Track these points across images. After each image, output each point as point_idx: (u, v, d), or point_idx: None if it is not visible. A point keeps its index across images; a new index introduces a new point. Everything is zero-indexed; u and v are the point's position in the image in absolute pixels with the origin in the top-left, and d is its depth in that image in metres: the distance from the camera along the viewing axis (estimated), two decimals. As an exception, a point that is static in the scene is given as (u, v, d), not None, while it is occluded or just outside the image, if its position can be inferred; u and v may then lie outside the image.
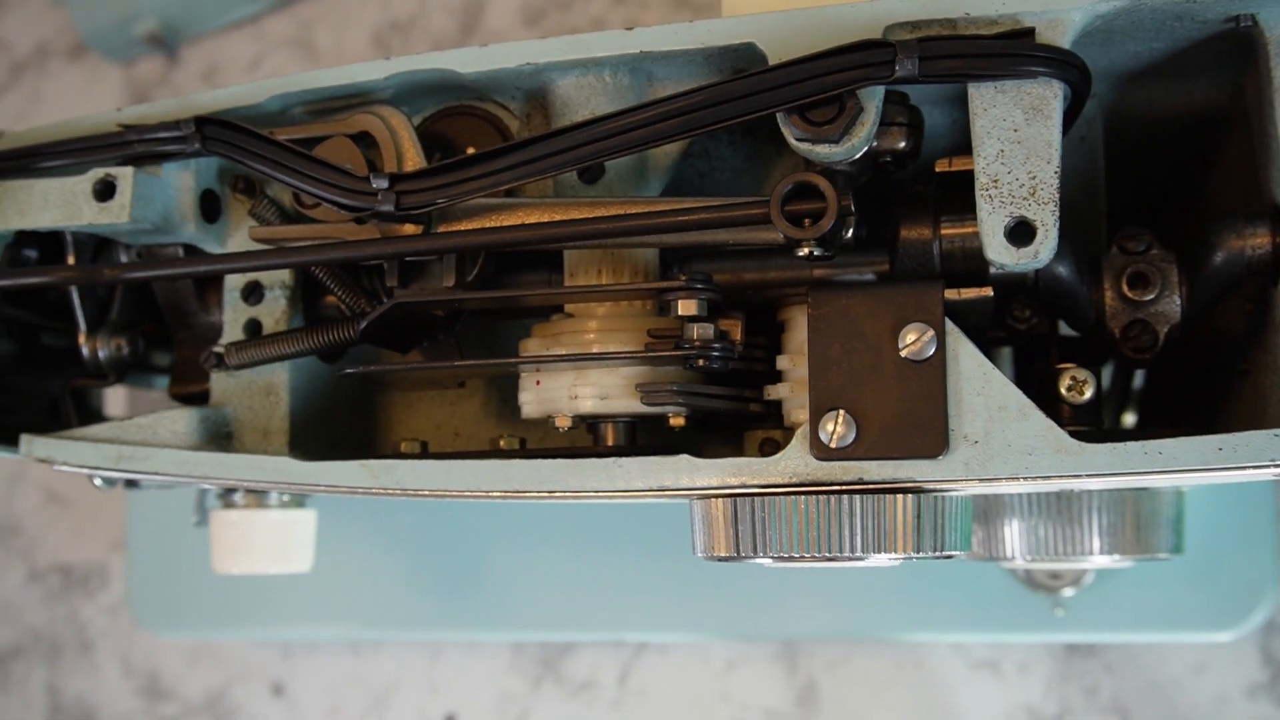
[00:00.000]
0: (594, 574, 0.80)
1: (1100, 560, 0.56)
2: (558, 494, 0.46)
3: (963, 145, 0.45)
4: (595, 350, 0.47)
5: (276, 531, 0.60)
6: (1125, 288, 0.48)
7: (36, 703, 0.96)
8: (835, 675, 0.81)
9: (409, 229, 0.49)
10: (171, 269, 0.50)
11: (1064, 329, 0.54)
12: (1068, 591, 0.70)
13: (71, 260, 0.54)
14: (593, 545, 0.80)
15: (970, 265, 0.47)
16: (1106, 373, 0.64)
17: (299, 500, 0.62)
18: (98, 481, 0.56)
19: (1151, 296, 0.48)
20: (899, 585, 0.76)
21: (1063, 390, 0.48)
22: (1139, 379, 0.66)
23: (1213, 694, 0.75)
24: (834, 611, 0.77)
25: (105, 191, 0.50)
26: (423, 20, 0.95)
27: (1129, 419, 0.68)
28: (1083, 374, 0.48)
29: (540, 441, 0.54)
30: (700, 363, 0.45)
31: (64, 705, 0.95)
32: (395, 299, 0.48)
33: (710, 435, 0.53)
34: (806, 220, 0.44)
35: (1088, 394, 0.48)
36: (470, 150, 0.51)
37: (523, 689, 0.86)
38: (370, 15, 0.96)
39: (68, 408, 0.56)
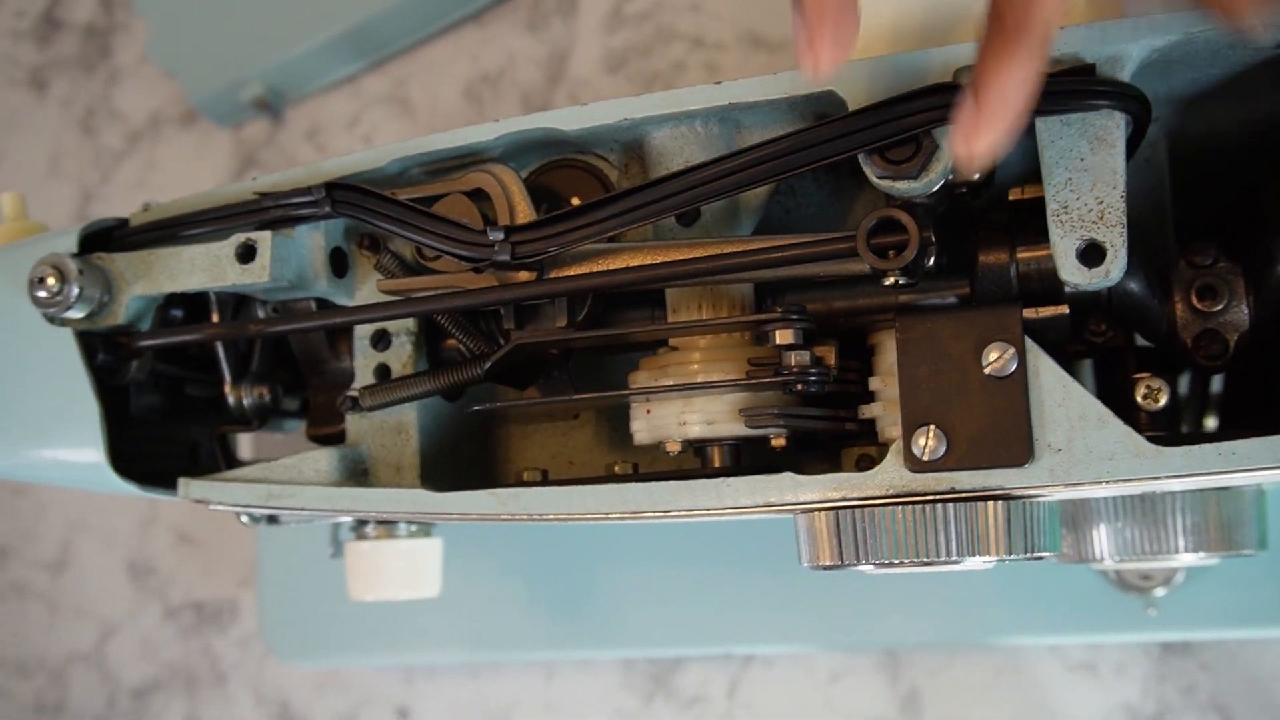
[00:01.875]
0: (700, 590, 0.84)
1: (1186, 559, 0.58)
2: (672, 513, 0.50)
3: (1033, 173, 0.49)
4: (701, 379, 0.51)
5: (407, 559, 0.65)
6: (1195, 299, 0.51)
7: (177, 733, 1.01)
8: (937, 682, 0.84)
9: (523, 275, 0.53)
10: (309, 322, 0.55)
11: (1141, 340, 0.57)
12: (1159, 591, 0.73)
13: (216, 318, 0.59)
14: (697, 563, 0.84)
15: (1046, 285, 0.50)
16: (1186, 380, 0.66)
17: (426, 530, 0.67)
18: (244, 519, 0.61)
19: (1220, 307, 0.51)
20: (995, 591, 0.79)
21: (1139, 399, 0.51)
22: (1219, 383, 0.68)
23: (1310, 687, 0.77)
24: (933, 619, 0.80)
25: (247, 254, 0.55)
26: (511, 72, 1.00)
27: (1210, 422, 0.71)
28: (1157, 383, 0.51)
29: (651, 466, 0.58)
30: (799, 387, 0.49)
31: (203, 734, 1.01)
32: (515, 341, 0.52)
33: (809, 454, 0.57)
34: (891, 252, 0.47)
35: (1162, 401, 0.51)
36: (574, 199, 0.56)
37: (635, 705, 0.90)
38: (461, 70, 1.01)
39: (215, 452, 0.61)
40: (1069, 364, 0.62)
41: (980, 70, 0.42)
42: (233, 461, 0.64)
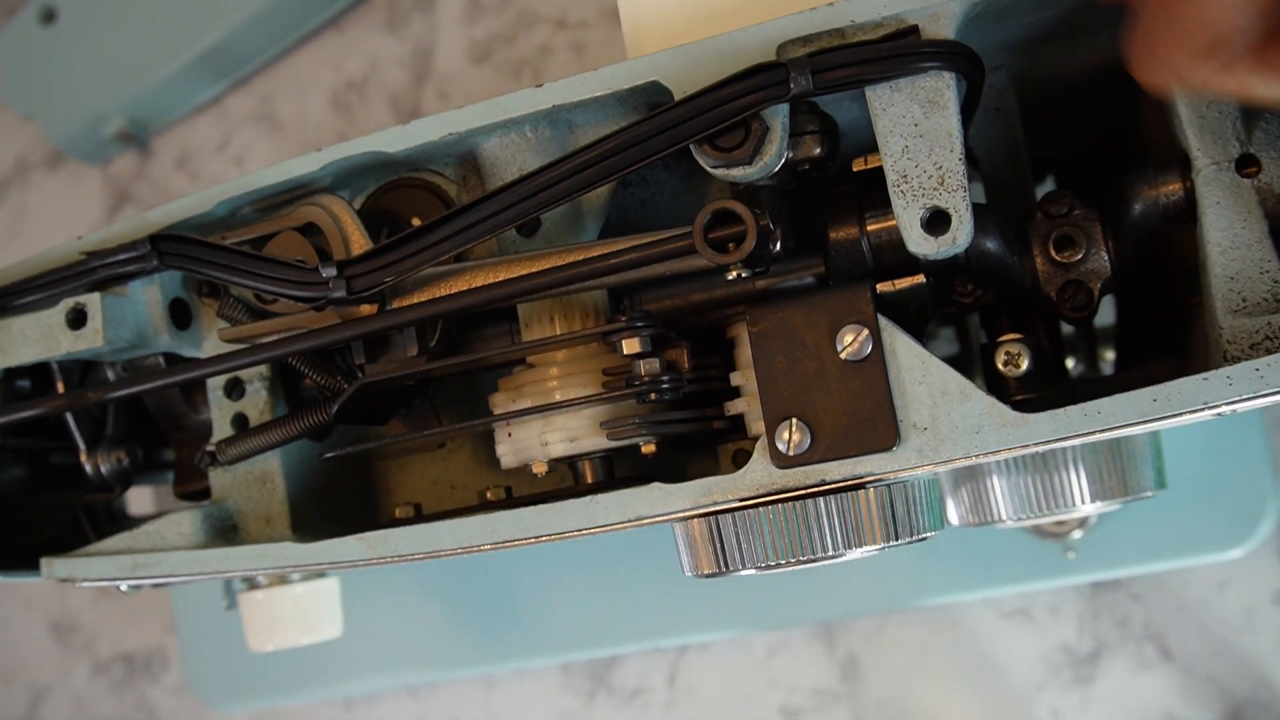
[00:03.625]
0: (627, 587, 0.82)
1: (1087, 509, 0.57)
2: (544, 538, 0.48)
3: (875, 140, 0.47)
4: (558, 397, 0.49)
5: (302, 604, 0.63)
6: (1053, 251, 0.50)
7: (120, 790, 0.99)
8: (874, 646, 0.83)
9: (365, 309, 0.51)
10: (151, 382, 0.52)
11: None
12: (1076, 534, 0.72)
13: (61, 387, 0.57)
14: (621, 560, 0.82)
15: (901, 256, 0.48)
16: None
17: (320, 571, 0.64)
18: (123, 588, 0.58)
19: (1079, 257, 0.49)
20: (920, 553, 0.78)
21: (1000, 366, 0.49)
22: (1111, 313, 0.67)
23: (1240, 607, 0.77)
24: (862, 588, 0.79)
25: (78, 320, 0.52)
26: (376, 76, 0.97)
27: (1109, 355, 0.70)
28: (1015, 347, 0.49)
29: (529, 485, 0.56)
30: (653, 395, 0.47)
31: (146, 789, 0.98)
32: (360, 381, 0.50)
33: (688, 454, 0.55)
34: (730, 245, 0.46)
35: (1024, 365, 0.49)
36: (415, 220, 0.53)
37: (578, 705, 0.88)
38: (325, 79, 0.98)
39: (84, 523, 0.59)
40: (957, 320, 0.61)
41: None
42: (110, 525, 0.62)
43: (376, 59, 0.97)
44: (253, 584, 0.63)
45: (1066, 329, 0.64)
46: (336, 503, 0.58)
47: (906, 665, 0.83)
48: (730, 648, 0.85)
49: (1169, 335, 0.59)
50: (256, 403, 0.55)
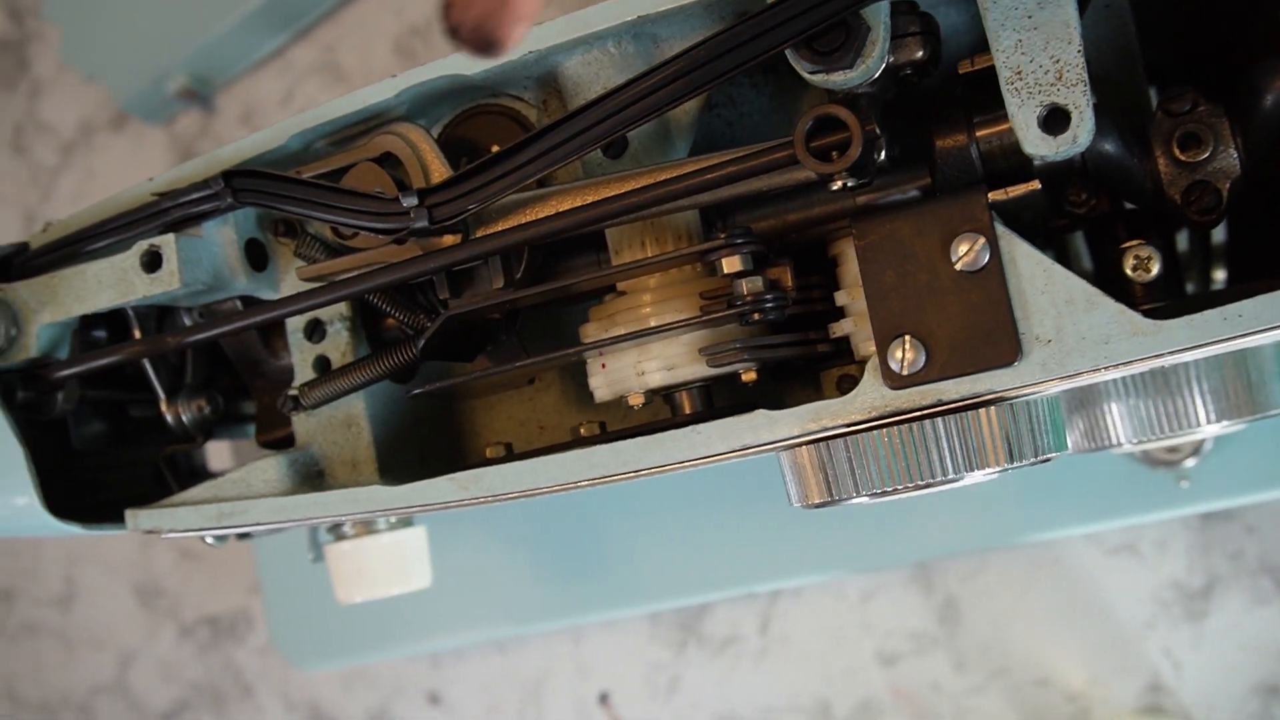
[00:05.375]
0: (716, 532, 0.80)
1: (1210, 429, 0.54)
2: (644, 472, 0.46)
3: (981, 41, 0.44)
4: (653, 324, 0.47)
5: (389, 554, 0.61)
6: (1178, 151, 0.47)
7: (210, 752, 0.99)
8: (973, 587, 0.81)
9: (449, 239, 0.49)
10: (229, 324, 0.50)
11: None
12: (1189, 462, 0.69)
13: (137, 334, 0.55)
14: (708, 504, 0.80)
15: (1013, 162, 0.45)
16: (1184, 238, 0.62)
17: (407, 519, 0.63)
18: (209, 540, 0.57)
19: (1206, 155, 0.46)
20: (1019, 488, 0.75)
21: (1128, 271, 0.46)
22: (1222, 232, 0.63)
23: (1362, 536, 0.73)
24: (959, 525, 0.76)
25: (153, 263, 0.51)
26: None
27: (1220, 275, 0.66)
28: (1145, 250, 0.46)
29: (622, 421, 0.54)
30: (756, 316, 0.45)
31: (236, 750, 0.98)
32: (446, 313, 0.48)
33: (788, 382, 0.53)
34: (834, 153, 0.43)
35: (1155, 270, 0.46)
36: (494, 148, 0.51)
37: (668, 656, 0.86)
38: (388, 26, 0.96)
39: (166, 475, 0.57)
40: (1058, 241, 0.58)
41: None
42: (188, 480, 0.60)
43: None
44: (339, 535, 0.62)
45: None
46: (423, 446, 0.56)
47: (1007, 606, 0.80)
48: (823, 593, 0.83)
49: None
50: (338, 344, 0.53)
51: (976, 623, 0.80)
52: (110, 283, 0.51)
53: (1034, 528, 0.75)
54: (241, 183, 0.50)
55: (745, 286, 0.45)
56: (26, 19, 1.07)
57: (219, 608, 0.99)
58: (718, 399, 0.50)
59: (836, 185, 0.43)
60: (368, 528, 0.62)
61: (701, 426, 0.45)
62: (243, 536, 0.60)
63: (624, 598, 0.83)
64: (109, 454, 0.61)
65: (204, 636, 0.99)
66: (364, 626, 0.87)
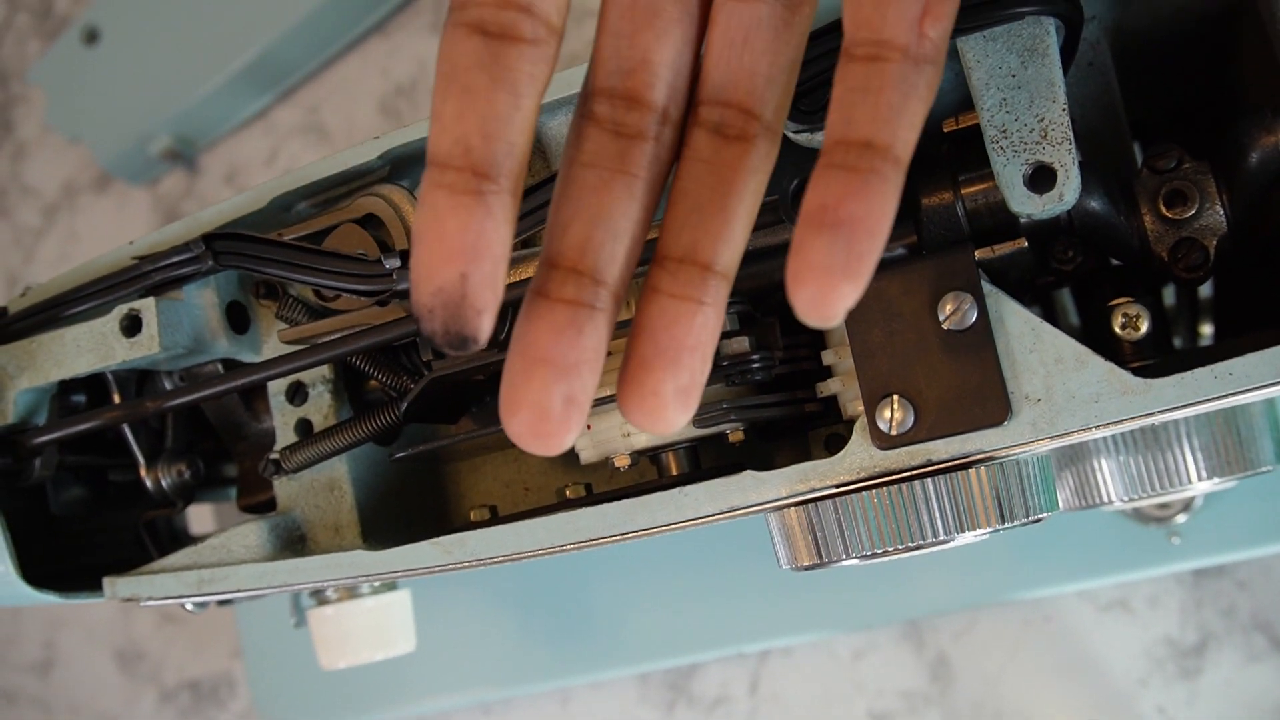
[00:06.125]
0: (704, 591, 0.79)
1: (1201, 486, 0.53)
2: (630, 534, 0.46)
3: (965, 99, 0.44)
4: (637, 385, 0.46)
5: (373, 619, 0.60)
6: (1163, 208, 0.46)
7: (192, 820, 0.97)
8: (964, 645, 0.80)
9: (431, 301, 0.48)
10: (210, 389, 0.50)
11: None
12: (1180, 519, 0.68)
13: (117, 398, 0.54)
14: (697, 564, 0.79)
15: (999, 220, 0.45)
16: (1170, 293, 0.61)
17: (390, 583, 0.62)
18: (189, 606, 0.56)
19: (1192, 212, 0.46)
20: (1010, 544, 0.74)
21: (1117, 329, 0.46)
22: (1209, 287, 0.63)
23: (1355, 591, 0.73)
24: (950, 583, 0.75)
25: (132, 326, 0.50)
26: (425, 79, 0.95)
27: (1207, 329, 0.66)
28: (1134, 309, 0.46)
29: (608, 482, 0.54)
30: (744, 376, 0.44)
31: (218, 818, 0.96)
32: (430, 375, 0.48)
33: (776, 442, 0.52)
34: (819, 212, 0.42)
35: (1144, 328, 0.46)
36: (478, 209, 0.51)
37: (657, 717, 0.85)
38: (372, 85, 0.96)
39: (145, 540, 0.57)
40: (1045, 298, 0.58)
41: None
42: (172, 544, 0.59)
43: (425, 62, 0.95)
44: (322, 599, 0.61)
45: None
46: (407, 509, 0.55)
47: (999, 664, 0.79)
48: (814, 651, 0.82)
49: (1274, 302, 0.56)
50: (320, 407, 0.53)
51: (969, 681, 0.80)
52: (89, 347, 0.51)
53: (1025, 585, 0.75)
54: (222, 245, 0.49)
55: (732, 346, 0.44)
56: (11, 82, 1.07)
57: (200, 672, 0.97)
58: (705, 459, 0.49)
59: (822, 245, 0.43)
60: (351, 592, 0.61)
61: (689, 488, 0.45)
62: (224, 603, 0.59)
63: (612, 658, 0.82)
64: (89, 520, 0.60)
65: (185, 701, 0.97)
66: (347, 690, 0.86)
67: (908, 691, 0.80)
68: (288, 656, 0.85)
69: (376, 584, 0.62)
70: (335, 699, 0.86)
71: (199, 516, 0.83)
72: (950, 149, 0.47)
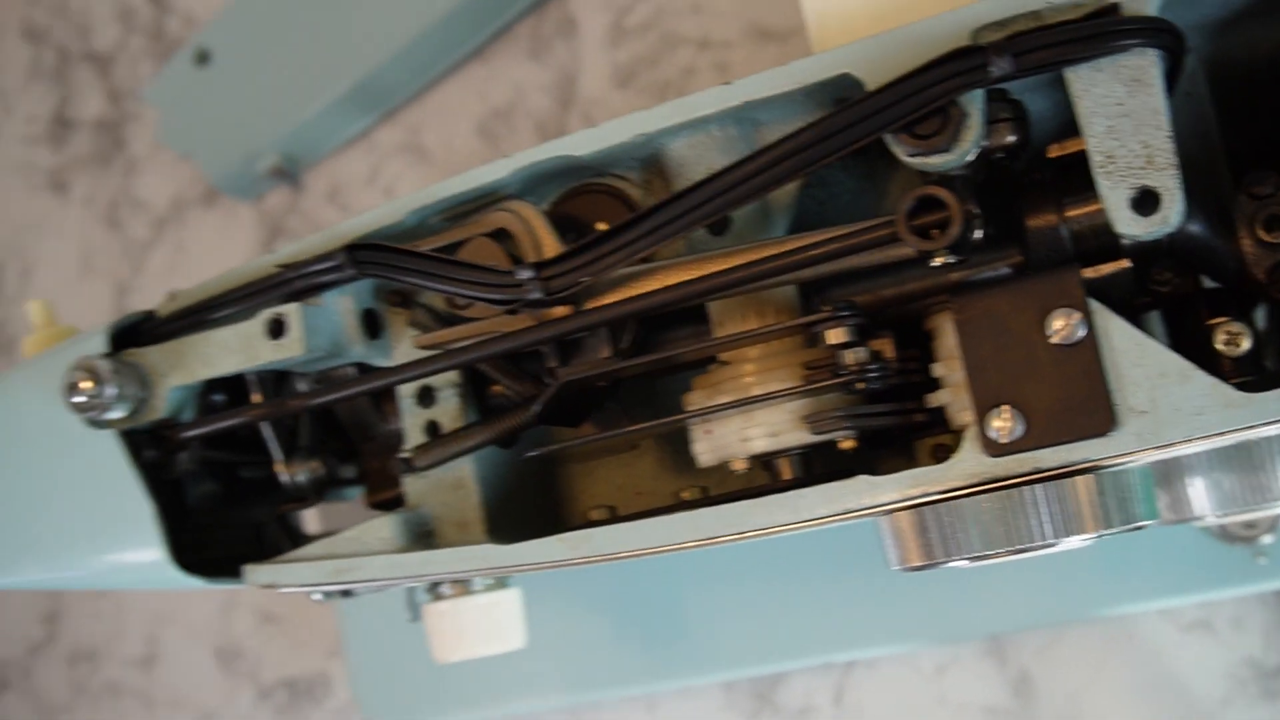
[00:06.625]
0: (792, 601, 0.81)
1: (1291, 503, 0.55)
2: (748, 534, 0.48)
3: (1069, 125, 0.46)
4: (757, 391, 0.49)
5: (488, 614, 0.63)
6: (1261, 232, 0.48)
7: (286, 814, 1.00)
8: (1047, 661, 0.81)
9: (559, 310, 0.51)
10: (352, 389, 0.53)
11: (1209, 281, 0.54)
12: (1266, 538, 0.70)
13: (257, 398, 0.58)
14: (785, 573, 0.81)
15: (1102, 241, 0.47)
16: (1261, 314, 0.63)
17: (502, 581, 0.65)
18: (316, 596, 0.59)
19: (1291, 236, 0.48)
20: (1094, 561, 0.76)
21: (1219, 346, 0.48)
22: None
23: None
24: (1033, 598, 0.77)
25: (277, 329, 0.54)
26: (521, 103, 0.98)
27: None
28: (1236, 326, 0.48)
29: (719, 486, 0.56)
30: (860, 386, 0.47)
31: (312, 812, 0.99)
32: (562, 379, 0.51)
33: (881, 449, 0.55)
34: (934, 231, 0.45)
35: (1245, 345, 0.48)
36: (600, 224, 0.54)
37: (741, 725, 0.87)
38: (471, 108, 1.00)
39: (277, 533, 0.60)
40: (1138, 318, 0.60)
41: None
42: (298, 539, 0.63)
43: (521, 86, 0.98)
44: (437, 595, 0.64)
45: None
46: (525, 508, 0.58)
47: (1082, 681, 0.81)
48: (898, 664, 0.84)
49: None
50: (448, 410, 0.56)
51: (1051, 697, 0.81)
52: (236, 348, 0.54)
53: (1108, 602, 0.76)
54: (364, 255, 0.53)
55: (850, 357, 0.47)
56: (125, 101, 1.12)
57: (297, 670, 1.01)
58: (816, 465, 0.52)
59: (937, 262, 0.46)
60: (465, 588, 0.64)
61: (805, 491, 0.47)
62: (345, 594, 0.62)
63: (699, 666, 0.84)
64: (217, 513, 0.64)
65: (282, 699, 1.01)
66: (440, 688, 0.89)
67: (990, 707, 0.82)
68: (387, 654, 0.88)
69: (489, 581, 0.65)
70: (428, 697, 0.89)
71: (307, 520, 0.87)
72: (1054, 173, 0.49)
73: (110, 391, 0.54)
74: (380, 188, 1.03)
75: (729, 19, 0.93)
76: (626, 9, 0.95)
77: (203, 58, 1.04)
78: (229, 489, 0.64)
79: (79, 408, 0.54)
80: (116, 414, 0.55)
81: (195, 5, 1.09)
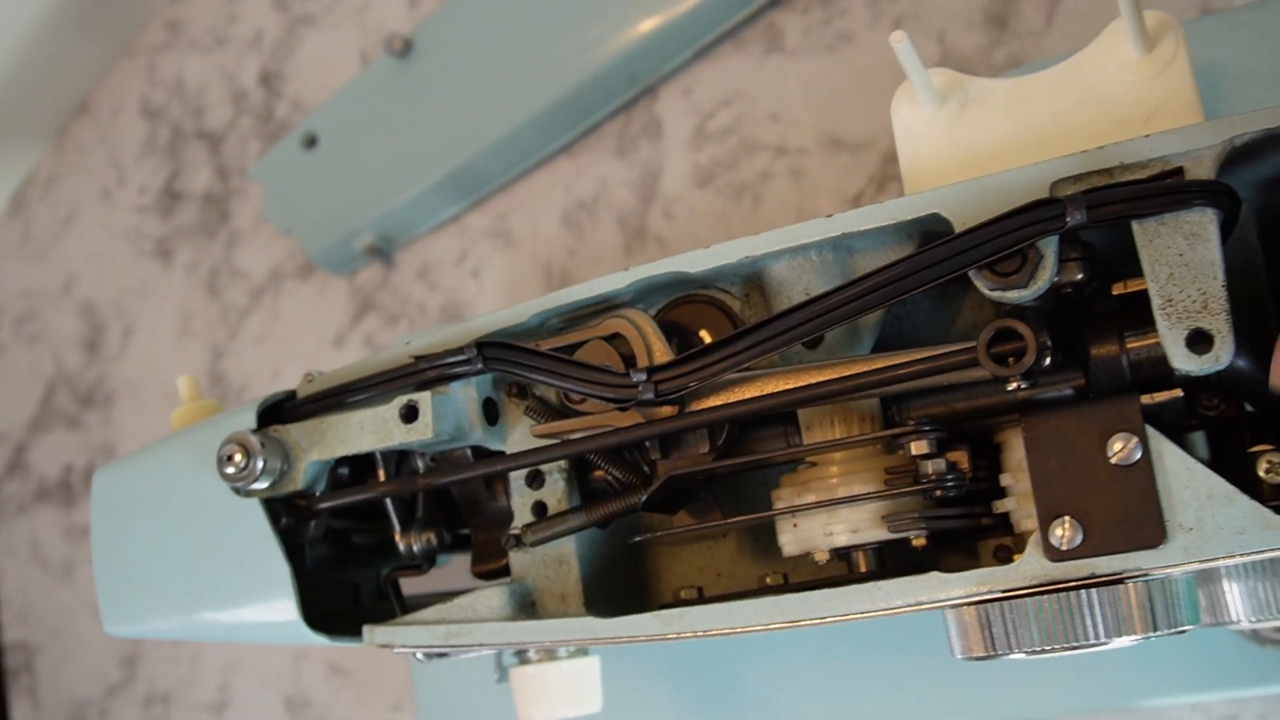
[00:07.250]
0: (840, 679, 0.86)
1: (1320, 614, 0.60)
2: (828, 619, 0.54)
3: (1126, 257, 0.52)
4: (842, 493, 0.55)
5: (571, 679, 0.69)
6: (1302, 366, 0.54)
7: None
8: (1083, 748, 0.86)
9: (665, 410, 0.57)
10: (478, 471, 0.59)
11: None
12: (1296, 643, 0.75)
13: (382, 475, 0.64)
14: (833, 653, 0.86)
15: (1158, 371, 0.53)
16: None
17: (583, 649, 0.70)
18: (419, 655, 0.65)
19: (1327, 372, 0.54)
20: (1131, 655, 0.81)
21: (1261, 474, 0.54)
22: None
23: None
24: (1075, 687, 0.82)
25: (410, 415, 0.60)
26: (605, 196, 1.05)
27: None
28: (1277, 456, 0.54)
29: (797, 573, 0.62)
30: (938, 493, 0.53)
31: None
32: (667, 473, 0.57)
33: (946, 548, 0.60)
34: (1010, 359, 0.51)
35: (1284, 473, 0.53)
36: (703, 332, 0.60)
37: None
38: (557, 199, 1.07)
39: (389, 595, 0.66)
40: (1183, 438, 0.65)
41: None
42: (403, 601, 0.69)
43: (606, 181, 1.05)
44: (524, 659, 0.69)
45: None
46: (618, 585, 0.64)
47: (1116, 769, 0.85)
48: (941, 745, 0.89)
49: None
50: (555, 491, 0.62)
51: (1086, 783, 0.86)
52: (371, 430, 0.61)
53: (1144, 693, 0.81)
54: (492, 351, 0.59)
55: (930, 467, 0.53)
56: (231, 177, 1.19)
57: (365, 723, 1.06)
58: (889, 560, 0.58)
59: (1012, 387, 0.51)
60: (550, 654, 0.69)
61: (882, 583, 0.53)
62: (441, 655, 0.68)
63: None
64: (330, 575, 0.70)
65: (348, 749, 1.06)
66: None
67: (1027, 788, 0.87)
68: (456, 711, 0.94)
69: (572, 649, 0.70)
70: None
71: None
72: (1117, 308, 0.55)
73: (259, 464, 0.60)
74: (468, 269, 1.09)
75: (805, 128, 1.00)
76: (710, 114, 1.02)
77: (310, 141, 1.12)
78: (340, 553, 0.70)
79: (230, 478, 0.60)
80: (261, 484, 0.61)
81: (304, 91, 1.17)
